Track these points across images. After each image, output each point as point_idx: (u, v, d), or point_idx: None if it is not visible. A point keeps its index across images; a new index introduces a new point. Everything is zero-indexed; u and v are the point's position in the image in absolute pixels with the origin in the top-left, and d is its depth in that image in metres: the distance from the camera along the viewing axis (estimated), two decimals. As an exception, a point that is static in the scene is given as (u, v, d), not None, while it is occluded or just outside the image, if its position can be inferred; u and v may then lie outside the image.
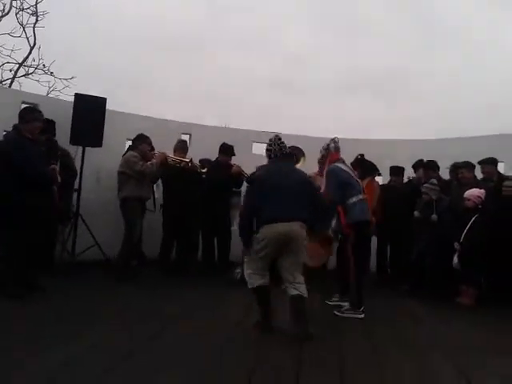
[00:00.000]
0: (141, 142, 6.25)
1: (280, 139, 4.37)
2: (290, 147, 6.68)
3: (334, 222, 5.29)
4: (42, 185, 4.85)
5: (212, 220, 6.79)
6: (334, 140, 5.19)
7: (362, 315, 4.76)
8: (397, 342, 4.03)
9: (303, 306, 3.97)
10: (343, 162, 5.16)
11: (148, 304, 4.81)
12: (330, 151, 5.15)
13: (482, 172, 6.38)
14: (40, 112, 5.07)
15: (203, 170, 6.70)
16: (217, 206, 6.72)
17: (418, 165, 7.02)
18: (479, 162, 6.38)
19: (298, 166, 6.68)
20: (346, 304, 4.93)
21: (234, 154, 7.01)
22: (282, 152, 4.32)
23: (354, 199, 4.88)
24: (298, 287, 3.99)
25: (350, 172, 5.11)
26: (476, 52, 31.95)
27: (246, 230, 4.16)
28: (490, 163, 6.31)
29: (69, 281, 5.62)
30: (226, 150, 6.97)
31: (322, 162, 5.38)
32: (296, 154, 6.72)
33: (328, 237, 5.56)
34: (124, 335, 3.69)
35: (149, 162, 6.11)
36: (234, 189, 7.21)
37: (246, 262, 4.23)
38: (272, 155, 4.33)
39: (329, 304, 5.22)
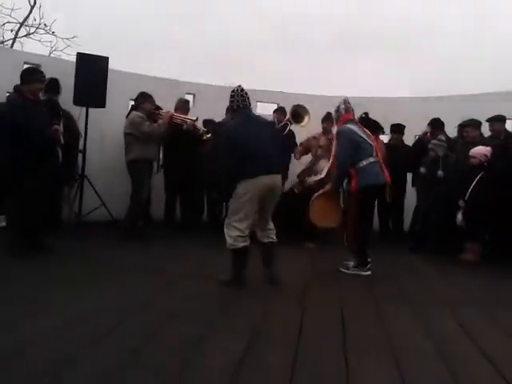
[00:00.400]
0: (144, 100, 6.13)
1: (243, 90, 4.29)
2: (294, 105, 6.72)
3: (345, 183, 5.23)
4: (45, 146, 4.85)
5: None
6: (344, 100, 5.08)
7: (369, 272, 4.80)
8: (399, 296, 4.09)
9: (274, 252, 4.19)
10: (356, 123, 5.05)
11: (154, 262, 4.86)
12: (341, 113, 5.04)
13: (491, 130, 6.29)
14: (41, 72, 5.01)
15: (208, 136, 6.59)
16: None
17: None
18: (487, 120, 6.28)
19: (303, 124, 6.65)
20: (352, 262, 4.93)
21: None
22: (244, 103, 4.27)
23: (364, 162, 4.81)
24: (270, 233, 4.21)
25: (362, 133, 4.96)
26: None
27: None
28: (498, 120, 6.22)
29: (76, 241, 5.70)
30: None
31: (332, 123, 5.47)
32: (300, 111, 6.65)
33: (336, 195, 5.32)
34: (131, 291, 3.76)
35: (155, 123, 6.05)
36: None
37: (229, 224, 4.08)
38: (235, 106, 4.29)
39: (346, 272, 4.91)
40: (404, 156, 6.72)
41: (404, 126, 7.18)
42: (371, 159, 4.85)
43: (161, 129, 6.01)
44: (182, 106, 6.83)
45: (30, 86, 4.74)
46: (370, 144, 4.94)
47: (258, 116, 4.75)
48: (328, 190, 5.07)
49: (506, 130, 6.31)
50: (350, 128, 4.90)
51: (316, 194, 5.20)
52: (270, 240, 4.20)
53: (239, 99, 4.25)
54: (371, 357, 2.67)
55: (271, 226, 4.25)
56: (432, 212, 6.04)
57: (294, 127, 6.81)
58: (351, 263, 4.90)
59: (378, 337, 3.01)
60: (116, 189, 6.73)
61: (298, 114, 6.64)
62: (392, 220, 7.22)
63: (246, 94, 4.27)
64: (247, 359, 2.52)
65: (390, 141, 7.23)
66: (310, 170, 6.60)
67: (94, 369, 2.31)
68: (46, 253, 4.74)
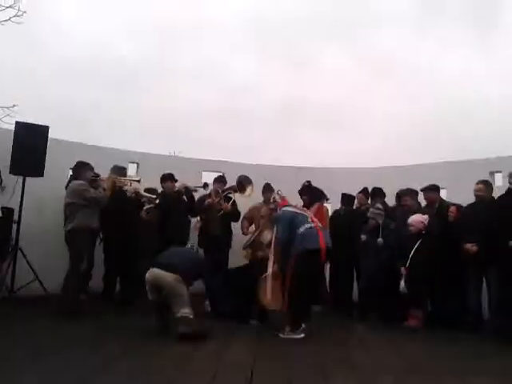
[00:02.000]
0: (83, 169, 5.96)
1: None
2: (239, 176, 6.85)
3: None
4: None
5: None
6: (277, 193, 5.93)
7: (302, 335, 4.93)
8: (347, 364, 4.02)
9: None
10: (291, 206, 5.64)
11: (90, 339, 4.58)
12: (278, 202, 5.77)
13: (425, 198, 6.55)
14: None
15: (156, 202, 6.50)
16: (171, 234, 6.44)
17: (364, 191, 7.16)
18: (422, 190, 6.54)
19: (246, 194, 6.77)
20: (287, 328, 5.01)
21: (176, 180, 6.95)
22: None
23: (301, 229, 5.20)
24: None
25: (297, 210, 5.54)
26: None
27: None
28: (432, 190, 6.47)
29: (6, 317, 5.31)
30: (167, 177, 6.94)
31: (271, 193, 6.08)
32: (243, 182, 6.77)
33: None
34: (65, 370, 3.49)
35: (99, 188, 5.90)
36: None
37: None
38: None
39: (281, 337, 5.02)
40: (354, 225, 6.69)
41: (354, 197, 7.24)
42: (307, 225, 5.24)
43: (106, 194, 5.87)
44: (118, 172, 6.62)
45: None
46: (305, 215, 5.45)
47: None
48: (274, 270, 5.39)
49: (440, 198, 6.57)
50: (284, 209, 5.54)
51: (266, 275, 5.41)
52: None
53: None
54: None
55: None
56: (375, 279, 6.11)
57: (238, 197, 6.90)
58: (287, 328, 5.01)
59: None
60: (53, 261, 6.42)
61: (242, 184, 6.78)
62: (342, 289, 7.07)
63: None
64: None
65: (336, 211, 7.34)
66: (255, 242, 6.61)
67: None
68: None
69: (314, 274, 5.38)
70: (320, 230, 5.26)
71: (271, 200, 5.91)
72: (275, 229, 5.58)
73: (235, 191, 6.90)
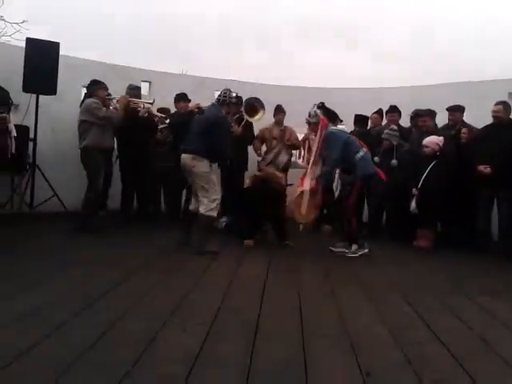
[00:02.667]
0: (97, 87, 5.91)
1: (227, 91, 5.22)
2: (251, 98, 6.71)
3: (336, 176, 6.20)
4: None
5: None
6: (314, 105, 5.47)
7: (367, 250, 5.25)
8: (354, 282, 4.15)
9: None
10: (334, 125, 5.49)
11: (109, 255, 4.74)
12: (319, 116, 5.35)
13: (450, 119, 6.38)
14: None
15: (166, 122, 6.49)
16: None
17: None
18: (448, 109, 6.37)
19: (257, 117, 6.64)
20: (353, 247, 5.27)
21: (190, 100, 6.84)
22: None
23: (361, 153, 5.22)
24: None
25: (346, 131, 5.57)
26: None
27: None
28: (458, 110, 6.31)
29: (28, 232, 5.51)
30: (181, 97, 6.85)
31: (315, 129, 5.46)
32: (255, 104, 6.63)
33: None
34: (83, 284, 3.65)
35: (112, 107, 5.88)
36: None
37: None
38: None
39: (334, 250, 5.38)
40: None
41: (368, 117, 7.21)
42: (364, 149, 5.29)
43: (119, 114, 5.84)
44: (134, 93, 6.59)
45: None
46: (354, 138, 5.45)
47: (210, 110, 5.20)
48: (312, 187, 5.37)
49: (462, 120, 6.40)
50: (336, 129, 5.41)
51: (303, 190, 5.44)
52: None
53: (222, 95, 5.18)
54: (328, 342, 2.70)
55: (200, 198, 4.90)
56: (385, 200, 6.16)
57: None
58: (353, 247, 5.26)
59: (334, 323, 3.04)
60: (69, 178, 6.55)
61: (254, 107, 6.63)
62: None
63: (225, 92, 5.19)
64: (203, 350, 2.49)
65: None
66: (273, 163, 6.62)
67: (45, 364, 2.23)
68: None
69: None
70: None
71: (309, 115, 5.50)
72: (316, 144, 5.42)
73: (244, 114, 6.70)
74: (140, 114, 6.14)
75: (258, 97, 6.73)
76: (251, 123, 6.82)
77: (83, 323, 2.81)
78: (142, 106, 6.24)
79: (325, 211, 6.56)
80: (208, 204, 4.84)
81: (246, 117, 6.63)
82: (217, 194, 4.94)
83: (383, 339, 2.80)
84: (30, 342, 2.45)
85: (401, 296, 3.73)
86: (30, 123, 6.36)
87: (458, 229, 6.11)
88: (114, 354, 2.40)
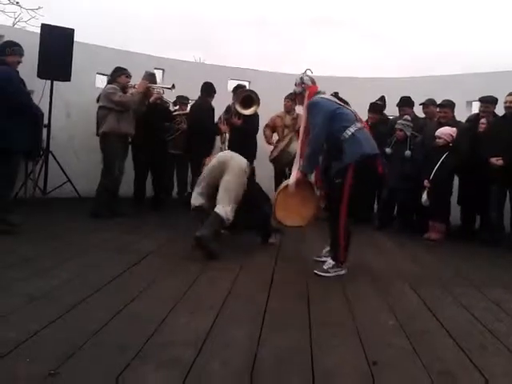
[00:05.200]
0: (119, 74, 5.92)
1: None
2: (247, 89, 6.67)
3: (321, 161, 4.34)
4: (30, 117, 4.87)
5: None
6: (305, 73, 4.34)
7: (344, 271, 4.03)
8: (363, 272, 4.15)
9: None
10: (325, 94, 4.27)
11: (121, 240, 4.79)
12: (307, 85, 4.24)
13: (482, 111, 6.05)
14: (21, 46, 4.88)
15: (175, 108, 6.51)
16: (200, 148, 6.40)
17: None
18: (480, 100, 6.12)
19: (247, 112, 6.58)
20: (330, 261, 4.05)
21: (216, 92, 6.85)
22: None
23: (352, 129, 3.92)
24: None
25: (338, 101, 4.22)
26: None
27: None
28: (492, 102, 5.97)
29: (41, 217, 5.58)
30: (209, 88, 6.82)
31: (301, 100, 4.33)
32: (255, 99, 6.63)
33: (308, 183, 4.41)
34: (95, 269, 3.70)
35: (129, 92, 5.90)
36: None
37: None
38: None
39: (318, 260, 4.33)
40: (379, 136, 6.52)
41: (381, 105, 7.07)
42: (358, 125, 4.00)
43: (134, 98, 5.82)
44: (148, 79, 6.51)
45: (13, 57, 4.76)
46: (351, 111, 4.16)
47: None
48: (298, 178, 4.17)
49: (494, 112, 6.05)
50: (322, 97, 4.15)
51: (282, 185, 4.47)
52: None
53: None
54: (335, 331, 2.71)
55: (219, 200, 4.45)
56: (396, 191, 6.13)
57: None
58: (330, 262, 4.02)
59: (341, 312, 3.06)
60: (83, 164, 6.61)
61: (250, 99, 6.61)
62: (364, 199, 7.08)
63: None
64: (212, 334, 2.52)
65: (366, 121, 7.18)
66: (284, 151, 6.57)
67: (56, 347, 2.27)
68: (10, 230, 4.60)
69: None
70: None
71: (297, 79, 4.29)
72: (303, 121, 4.31)
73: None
74: (151, 100, 6.13)
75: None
76: (256, 114, 6.80)
77: (93, 306, 2.87)
78: (162, 91, 6.24)
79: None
80: (232, 206, 4.43)
81: (238, 108, 6.57)
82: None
83: (390, 329, 2.81)
84: (41, 323, 2.50)
85: (409, 286, 3.73)
86: (45, 109, 6.40)
87: (469, 222, 6.12)
88: (123, 336, 2.44)
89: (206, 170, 4.70)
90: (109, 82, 6.13)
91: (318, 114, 4.02)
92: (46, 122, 6.41)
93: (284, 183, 4.45)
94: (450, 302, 3.42)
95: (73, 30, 6.53)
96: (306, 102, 4.20)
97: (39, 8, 14.16)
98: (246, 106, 6.60)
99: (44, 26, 6.48)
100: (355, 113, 4.14)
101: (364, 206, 6.82)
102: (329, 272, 3.94)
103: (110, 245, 4.53)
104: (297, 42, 35.28)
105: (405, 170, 5.99)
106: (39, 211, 5.87)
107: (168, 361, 2.21)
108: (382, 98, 7.08)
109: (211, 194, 4.59)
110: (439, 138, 5.79)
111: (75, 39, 6.57)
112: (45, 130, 6.40)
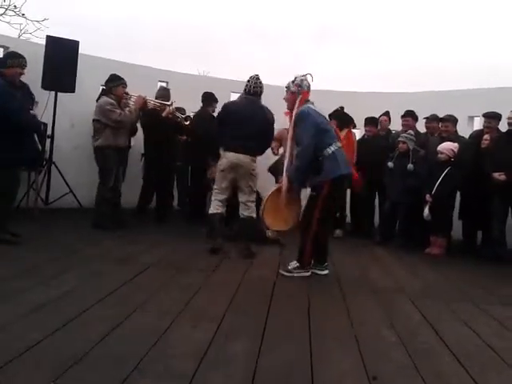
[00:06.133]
0: (115, 84, 5.83)
1: (258, 79, 4.90)
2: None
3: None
4: (29, 131, 4.82)
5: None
6: (307, 76, 4.34)
7: (326, 271, 4.38)
8: (364, 287, 4.14)
9: (249, 226, 4.98)
10: (313, 104, 4.34)
11: (122, 251, 4.78)
12: (303, 89, 4.28)
13: (486, 126, 6.01)
14: (24, 58, 4.85)
15: (186, 123, 6.49)
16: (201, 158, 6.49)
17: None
18: (484, 115, 6.10)
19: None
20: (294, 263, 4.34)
21: (217, 101, 6.88)
22: (254, 89, 4.87)
23: (333, 148, 4.11)
24: (245, 209, 4.90)
25: (324, 115, 4.39)
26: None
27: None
28: (495, 118, 5.95)
29: (42, 228, 5.59)
30: (209, 97, 6.89)
31: (291, 100, 4.33)
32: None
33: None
34: (96, 280, 3.70)
35: (127, 109, 5.84)
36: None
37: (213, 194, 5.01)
38: (246, 90, 4.91)
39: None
40: (379, 149, 6.60)
41: (377, 119, 7.11)
42: (338, 144, 4.19)
43: (132, 115, 5.81)
44: (163, 94, 6.66)
45: (13, 69, 4.74)
46: (332, 127, 4.40)
47: (261, 105, 5.02)
48: (287, 187, 4.27)
49: (497, 128, 6.01)
50: (313, 109, 4.22)
51: (271, 191, 4.52)
52: (246, 215, 4.87)
53: (251, 84, 4.88)
54: (335, 345, 2.71)
55: (248, 202, 4.88)
56: (399, 205, 6.13)
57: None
58: (294, 263, 4.32)
59: (342, 326, 3.05)
60: (85, 176, 6.62)
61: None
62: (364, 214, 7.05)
63: (259, 82, 4.90)
64: (212, 347, 2.52)
65: (363, 137, 7.23)
66: (279, 164, 6.57)
67: (57, 357, 2.27)
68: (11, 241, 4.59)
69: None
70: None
71: (297, 80, 4.30)
72: (291, 130, 4.34)
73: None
74: (163, 114, 6.09)
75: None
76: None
77: (94, 317, 2.86)
78: (171, 106, 6.18)
79: (337, 214, 6.39)
80: (253, 207, 4.94)
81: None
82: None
83: (391, 344, 2.80)
84: (42, 333, 2.50)
85: (410, 302, 3.73)
86: (49, 120, 6.44)
87: (471, 237, 6.12)
88: (124, 347, 2.44)
89: (218, 177, 4.96)
90: (103, 93, 5.99)
91: (310, 126, 4.13)
92: (49, 132, 6.45)
93: (273, 188, 4.58)
94: (452, 318, 3.41)
95: (77, 42, 6.59)
96: (297, 105, 4.25)
97: (44, 20, 14.28)
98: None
99: (49, 38, 6.54)
100: (336, 129, 4.56)
101: (365, 220, 6.86)
102: (292, 272, 4.27)
103: (111, 256, 4.53)
104: (302, 55, 35.47)
105: (407, 183, 6.00)
106: (41, 221, 5.87)
107: (168, 373, 2.20)
108: (387, 113, 7.10)
109: (229, 195, 4.99)
110: (441, 153, 5.81)
111: (80, 51, 6.62)
112: (48, 141, 6.43)
